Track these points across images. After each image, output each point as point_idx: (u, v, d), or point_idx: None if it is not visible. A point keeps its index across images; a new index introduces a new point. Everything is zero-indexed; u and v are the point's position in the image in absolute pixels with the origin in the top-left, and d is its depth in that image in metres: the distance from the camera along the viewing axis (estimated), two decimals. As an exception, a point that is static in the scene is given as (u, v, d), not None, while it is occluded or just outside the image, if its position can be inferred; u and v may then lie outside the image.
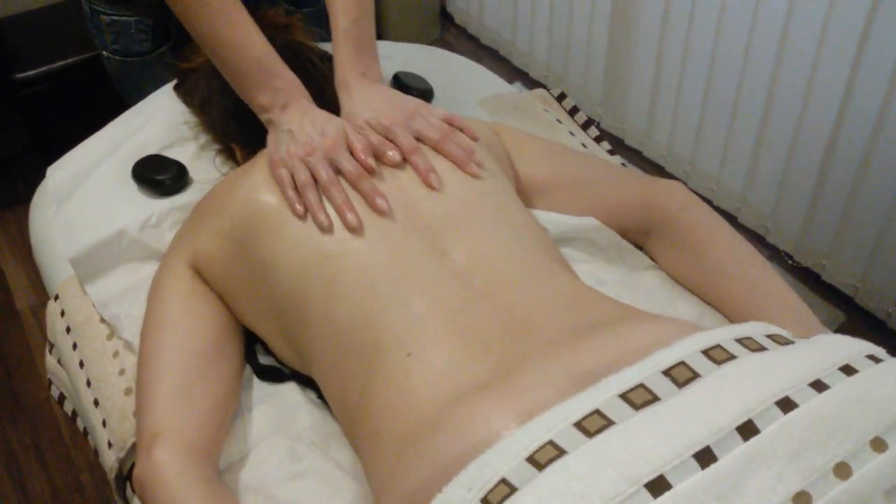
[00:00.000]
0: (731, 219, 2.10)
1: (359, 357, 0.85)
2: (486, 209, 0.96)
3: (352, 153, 1.00)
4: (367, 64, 1.13)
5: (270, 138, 1.06)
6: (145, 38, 1.43)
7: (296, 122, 1.04)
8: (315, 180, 0.97)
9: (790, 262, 2.01)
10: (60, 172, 1.36)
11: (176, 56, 1.36)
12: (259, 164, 1.05)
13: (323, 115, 1.05)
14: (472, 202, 0.97)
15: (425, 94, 1.46)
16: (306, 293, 0.91)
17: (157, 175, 1.27)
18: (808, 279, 1.98)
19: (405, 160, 1.00)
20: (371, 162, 0.98)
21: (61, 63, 2.26)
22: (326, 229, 0.93)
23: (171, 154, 1.31)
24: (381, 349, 0.83)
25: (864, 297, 1.87)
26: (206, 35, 1.07)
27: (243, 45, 1.06)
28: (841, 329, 1.84)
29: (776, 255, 2.03)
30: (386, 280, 0.87)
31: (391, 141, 1.01)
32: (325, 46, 1.30)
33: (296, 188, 0.97)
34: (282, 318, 0.96)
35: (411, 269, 0.88)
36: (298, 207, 0.95)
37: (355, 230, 0.92)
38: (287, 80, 1.08)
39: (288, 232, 0.94)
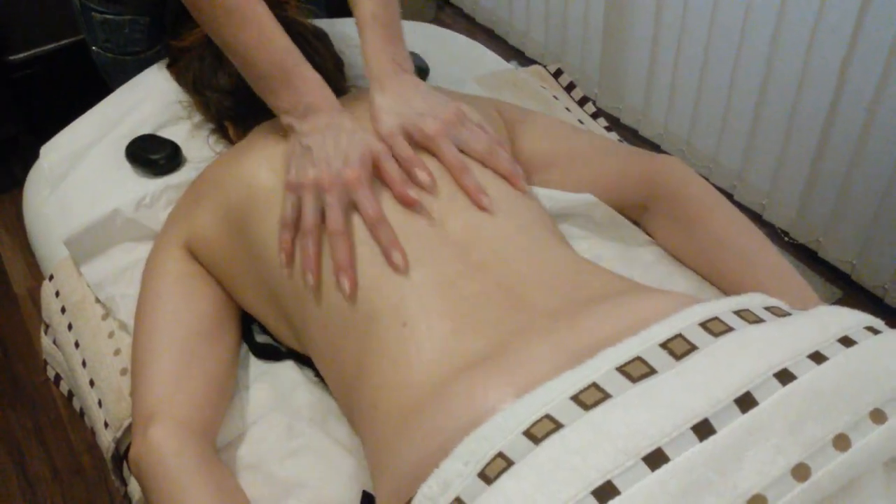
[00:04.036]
0: (728, 196, 2.09)
1: (354, 330, 0.84)
2: (486, 186, 0.95)
3: (384, 181, 0.92)
4: (400, 54, 1.04)
5: (289, 148, 0.97)
6: (140, 38, 1.37)
7: (316, 137, 0.94)
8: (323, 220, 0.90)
9: (787, 239, 2.01)
10: (54, 153, 1.35)
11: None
12: (254, 142, 1.04)
13: (349, 130, 0.95)
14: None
15: (421, 72, 1.45)
16: (300, 272, 0.91)
17: (151, 155, 1.26)
18: (805, 256, 1.98)
19: (457, 181, 0.93)
20: (412, 194, 0.90)
21: (54, 45, 2.25)
22: (311, 287, 0.87)
23: (165, 133, 1.31)
24: (375, 318, 0.83)
25: (861, 273, 1.87)
26: (228, 39, 0.99)
27: (264, 45, 0.98)
28: (837, 305, 1.84)
29: (773, 233, 2.02)
30: (381, 253, 0.87)
31: (434, 153, 0.96)
32: (319, 23, 1.30)
33: (295, 225, 0.90)
34: (277, 297, 0.96)
35: (408, 241, 0.88)
36: (283, 257, 0.90)
37: (350, 295, 0.85)
38: (309, 81, 0.99)
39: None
